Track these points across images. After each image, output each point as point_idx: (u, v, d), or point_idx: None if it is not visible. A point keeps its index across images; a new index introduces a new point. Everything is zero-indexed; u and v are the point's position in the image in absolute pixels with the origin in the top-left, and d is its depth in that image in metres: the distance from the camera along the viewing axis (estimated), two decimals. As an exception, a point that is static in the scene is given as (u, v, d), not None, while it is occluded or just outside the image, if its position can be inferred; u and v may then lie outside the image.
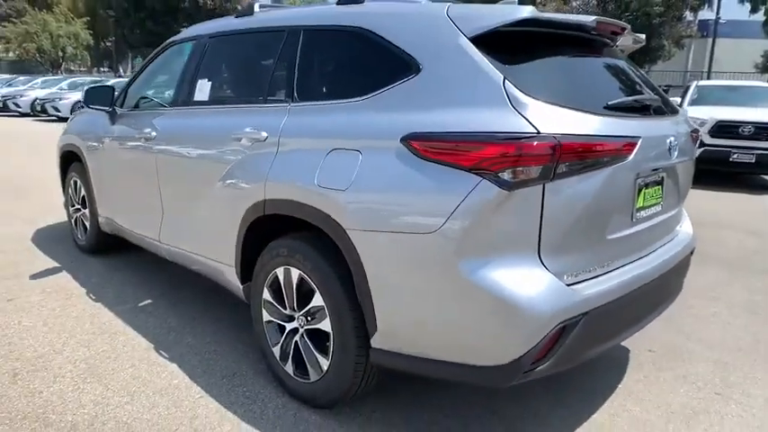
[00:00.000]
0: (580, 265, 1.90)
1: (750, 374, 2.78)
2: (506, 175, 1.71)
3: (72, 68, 41.28)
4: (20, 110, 18.93)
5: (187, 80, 3.08)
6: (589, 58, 2.28)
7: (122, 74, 34.79)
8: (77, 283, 3.74)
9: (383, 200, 1.93)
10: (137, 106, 3.60)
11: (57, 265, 4.09)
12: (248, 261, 2.59)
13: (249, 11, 2.93)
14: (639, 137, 1.98)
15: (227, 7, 32.41)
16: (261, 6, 2.93)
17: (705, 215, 5.92)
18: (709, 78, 18.28)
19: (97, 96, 3.62)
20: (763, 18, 28.61)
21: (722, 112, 8.04)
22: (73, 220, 4.47)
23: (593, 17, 2.08)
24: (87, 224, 4.23)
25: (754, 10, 29.33)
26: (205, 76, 2.98)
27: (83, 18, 35.23)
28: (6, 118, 18.72)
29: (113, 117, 3.67)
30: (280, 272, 2.38)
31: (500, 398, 2.49)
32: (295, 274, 2.30)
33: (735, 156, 7.79)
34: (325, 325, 2.20)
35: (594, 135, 1.84)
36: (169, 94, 3.34)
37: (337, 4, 2.45)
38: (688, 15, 24.73)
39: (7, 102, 19.43)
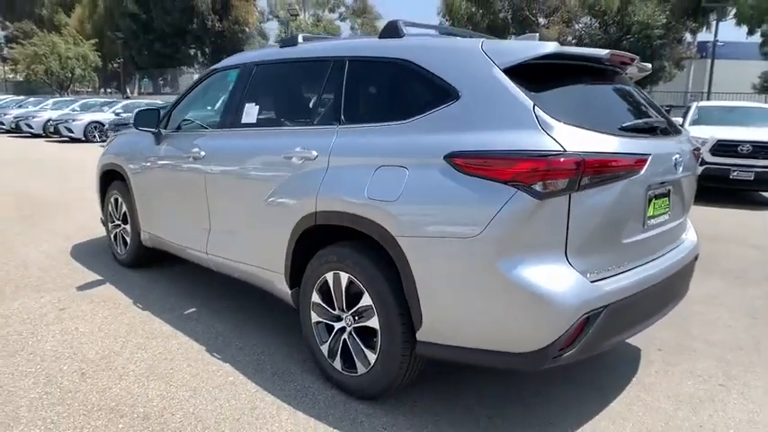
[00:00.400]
0: (600, 264, 2.18)
1: (750, 369, 3.04)
2: (538, 187, 2.00)
3: (78, 90, 42.03)
4: (32, 131, 19.34)
5: (234, 104, 3.39)
6: (603, 85, 2.58)
7: (129, 95, 35.42)
8: (122, 294, 4.00)
9: (429, 209, 2.22)
10: (181, 128, 3.90)
11: (99, 277, 4.36)
12: (296, 268, 2.87)
13: (293, 42, 3.25)
14: (650, 154, 2.28)
15: (235, 29, 33.18)
16: (304, 38, 3.25)
17: (708, 230, 6.20)
18: (708, 98, 18.73)
19: (145, 119, 3.93)
20: (760, 40, 29.31)
21: (722, 132, 8.37)
22: (112, 236, 4.75)
23: (607, 50, 2.40)
24: (128, 239, 4.51)
25: (750, 32, 30.04)
26: (252, 101, 3.28)
27: (91, 40, 35.97)
28: (20, 139, 19.14)
29: (158, 138, 3.97)
30: (329, 276, 2.65)
31: (527, 389, 2.75)
32: (344, 277, 2.58)
33: (734, 173, 8.10)
34: (373, 322, 2.47)
35: (612, 153, 2.13)
36: (215, 116, 3.65)
37: (380, 37, 2.77)
38: (687, 37, 25.34)
39: (20, 123, 19.86)
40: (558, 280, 2.03)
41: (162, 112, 4.11)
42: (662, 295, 2.54)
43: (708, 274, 4.60)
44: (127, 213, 4.45)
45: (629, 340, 3.11)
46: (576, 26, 26.12)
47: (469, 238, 2.09)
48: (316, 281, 2.73)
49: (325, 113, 2.83)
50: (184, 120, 3.97)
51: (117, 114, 17.83)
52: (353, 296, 2.56)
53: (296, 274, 2.88)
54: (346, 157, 2.59)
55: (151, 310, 3.70)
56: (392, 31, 2.70)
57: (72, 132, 17.31)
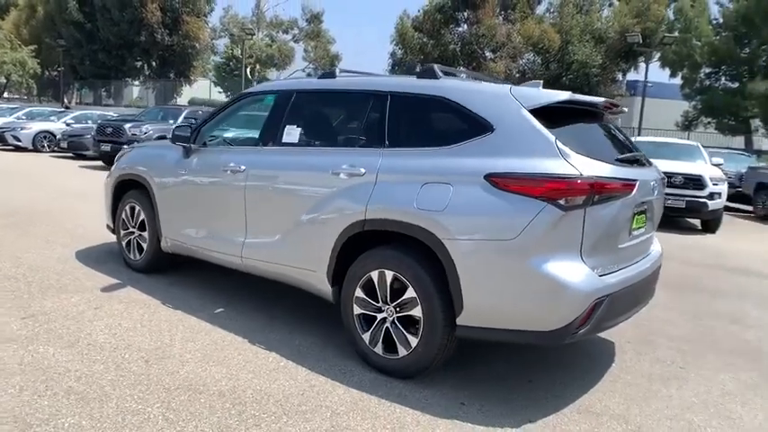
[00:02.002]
0: (604, 263, 2.82)
1: (701, 356, 3.78)
2: (562, 202, 2.61)
3: (9, 96, 40.04)
4: (-29, 138, 18.45)
5: (274, 125, 3.84)
6: (595, 124, 3.26)
7: (68, 104, 34.16)
8: (147, 296, 4.28)
9: (472, 218, 2.78)
10: (212, 144, 4.29)
11: (117, 281, 4.59)
12: (338, 269, 3.34)
13: (332, 74, 3.76)
14: (637, 180, 2.95)
15: (186, 44, 32.89)
16: (341, 71, 3.77)
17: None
18: (639, 134, 20.59)
19: (180, 135, 4.29)
20: (680, 82, 32.37)
21: (657, 165, 9.48)
22: (124, 243, 4.99)
23: (603, 99, 3.08)
24: (144, 246, 4.78)
25: (672, 75, 33.14)
26: (293, 123, 3.74)
27: (30, 46, 34.57)
28: (-43, 146, 18.24)
29: (188, 152, 4.34)
30: (374, 274, 3.14)
31: (533, 373, 3.33)
32: (389, 275, 3.07)
33: (669, 201, 9.20)
34: (416, 312, 2.97)
35: (614, 178, 2.78)
36: (252, 135, 4.07)
37: (418, 77, 3.34)
38: (619, 77, 27.63)
39: (-42, 130, 18.89)
40: (575, 273, 2.64)
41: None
42: (640, 292, 3.21)
43: (658, 285, 5.41)
44: (146, 221, 4.73)
45: (603, 335, 3.77)
46: (520, 62, 27.87)
47: (507, 240, 2.67)
48: (360, 278, 3.21)
49: (368, 137, 3.35)
50: (214, 137, 4.36)
51: (68, 125, 17.40)
52: (397, 290, 3.06)
53: (337, 273, 3.35)
54: (394, 174, 3.11)
55: (182, 310, 4.01)
56: (430, 73, 3.29)
57: (20, 141, 16.74)
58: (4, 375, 2.86)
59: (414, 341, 3.00)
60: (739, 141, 29.85)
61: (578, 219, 2.64)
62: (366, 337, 3.22)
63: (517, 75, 27.14)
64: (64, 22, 34.50)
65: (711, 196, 9.48)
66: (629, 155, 3.21)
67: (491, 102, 2.96)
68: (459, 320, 2.85)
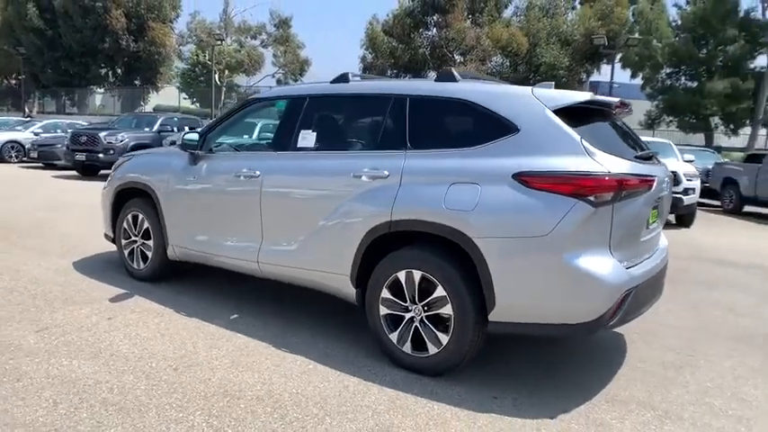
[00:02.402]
0: (628, 256, 2.93)
1: (706, 343, 3.96)
2: (593, 199, 2.71)
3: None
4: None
5: (287, 130, 3.86)
6: (609, 122, 3.37)
7: (30, 114, 33.04)
8: (158, 305, 4.22)
9: (503, 216, 2.85)
10: (219, 150, 4.27)
11: (123, 291, 4.51)
12: (361, 271, 3.37)
13: (345, 79, 3.79)
14: (656, 176, 3.09)
15: (152, 51, 32.27)
16: (353, 76, 3.82)
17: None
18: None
19: (190, 142, 4.25)
20: (641, 82, 33.50)
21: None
22: (127, 252, 4.90)
23: (617, 99, 3.21)
24: (149, 254, 4.71)
25: (633, 75, 34.26)
26: (308, 127, 3.76)
27: (-14, 54, 33.42)
28: None
29: (196, 159, 4.31)
30: (401, 275, 3.19)
31: (554, 364, 3.43)
32: (417, 275, 3.13)
33: (647, 197, 9.51)
34: (447, 310, 3.03)
35: (638, 174, 2.90)
36: (264, 140, 4.07)
37: (436, 80, 3.41)
38: (584, 77, 28.38)
39: None
40: (606, 266, 2.75)
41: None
42: (656, 285, 3.34)
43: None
44: (150, 229, 4.66)
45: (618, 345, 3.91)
46: (489, 64, 28.33)
47: (540, 237, 2.76)
48: (386, 279, 3.25)
49: (389, 140, 3.40)
50: (221, 143, 4.34)
51: (36, 134, 16.90)
52: (425, 290, 3.12)
53: (360, 275, 3.38)
54: (419, 176, 3.17)
55: (198, 317, 3.98)
56: (448, 76, 3.36)
57: (-17, 151, 16.17)
58: (34, 389, 2.80)
59: (444, 339, 3.06)
60: (699, 139, 31.05)
61: (607, 214, 2.75)
62: (394, 336, 3.26)
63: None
64: (23, 29, 33.44)
65: (686, 192, 9.85)
66: (643, 152, 3.35)
67: (514, 103, 3.05)
68: (491, 317, 2.92)
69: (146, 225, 4.71)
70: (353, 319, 3.98)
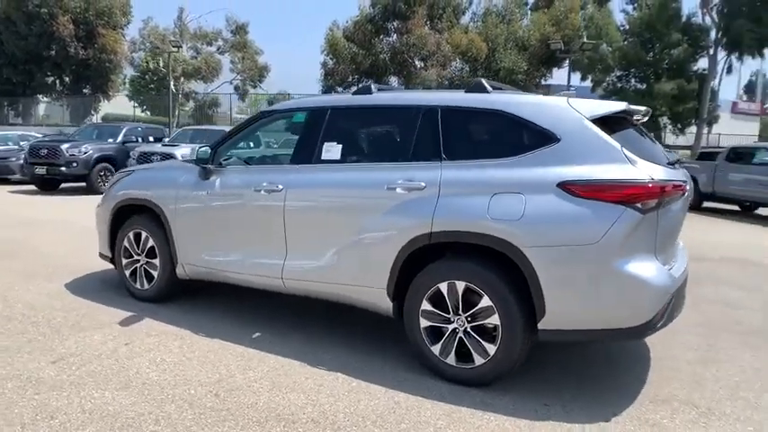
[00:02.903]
0: (667, 259, 3.02)
1: (719, 338, 4.12)
2: (640, 206, 2.78)
3: None
4: None
5: (309, 142, 3.78)
6: (636, 130, 3.46)
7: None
8: (173, 327, 4.03)
9: (551, 225, 2.88)
10: (227, 164, 4.17)
11: (130, 313, 4.30)
12: (399, 283, 3.34)
13: (367, 91, 3.76)
14: (686, 181, 3.19)
15: (102, 58, 31.03)
16: (377, 88, 3.78)
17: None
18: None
19: (203, 157, 4.11)
20: (590, 85, 34.84)
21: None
22: (128, 272, 4.69)
23: (645, 107, 3.31)
24: (155, 273, 4.52)
25: (583, 78, 35.58)
26: (332, 140, 3.70)
27: None
28: None
29: (208, 173, 4.16)
30: (443, 286, 3.17)
31: (585, 368, 3.50)
32: (461, 285, 3.12)
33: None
34: (493, 320, 3.04)
35: (674, 180, 3.00)
36: (282, 153, 3.98)
37: (467, 92, 3.42)
38: (541, 81, 29.13)
39: None
40: (654, 271, 2.82)
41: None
42: (685, 284, 3.45)
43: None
44: (156, 247, 4.48)
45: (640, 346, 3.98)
46: (449, 69, 28.70)
47: (590, 245, 2.80)
48: (426, 291, 3.23)
49: (422, 152, 3.38)
50: (233, 156, 4.22)
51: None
52: (469, 300, 3.12)
53: (397, 288, 3.35)
54: (458, 186, 3.16)
55: (219, 338, 3.83)
56: (479, 87, 3.38)
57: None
58: (75, 427, 2.63)
59: (492, 349, 3.07)
60: (649, 138, 32.38)
61: (653, 220, 2.83)
62: (436, 349, 3.24)
63: (446, 83, 27.90)
64: (-40, 36, 31.52)
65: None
66: (675, 158, 3.46)
67: (552, 113, 3.10)
68: (541, 325, 2.95)
69: (150, 243, 4.52)
70: (378, 332, 3.96)
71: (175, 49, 26.28)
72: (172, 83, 30.02)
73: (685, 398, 3.13)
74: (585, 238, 2.82)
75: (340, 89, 29.55)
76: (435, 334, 3.25)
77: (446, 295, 3.18)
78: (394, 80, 29.90)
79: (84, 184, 12.71)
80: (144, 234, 4.55)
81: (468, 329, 3.14)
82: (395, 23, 27.39)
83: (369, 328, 4.03)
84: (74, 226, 8.07)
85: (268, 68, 34.49)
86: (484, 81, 3.40)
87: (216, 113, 33.75)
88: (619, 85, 31.42)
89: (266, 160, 4.72)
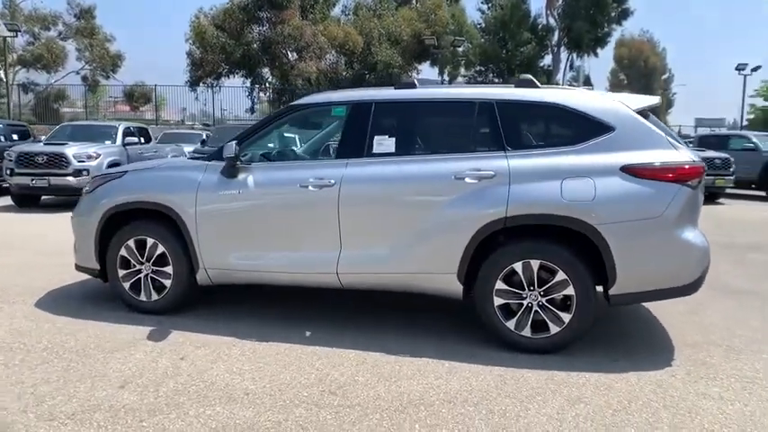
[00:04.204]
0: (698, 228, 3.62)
1: (741, 320, 4.48)
2: (691, 183, 3.32)
3: None
4: None
5: (356, 137, 3.80)
6: (655, 119, 4.00)
7: None
8: (213, 336, 3.77)
9: (620, 203, 3.30)
10: (260, 159, 4.03)
11: (149, 327, 3.90)
12: (469, 267, 3.56)
13: (411, 85, 3.88)
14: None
15: None
16: (420, 82, 3.92)
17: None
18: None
19: (231, 154, 3.87)
20: (447, 79, 37.44)
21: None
22: (129, 283, 4.25)
23: (657, 98, 3.88)
24: (168, 282, 4.16)
25: (441, 72, 38.09)
26: (382, 133, 3.76)
27: None
28: None
29: (233, 171, 3.95)
30: (517, 266, 3.46)
31: (614, 335, 4.03)
32: (535, 264, 3.43)
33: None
34: (568, 291, 3.40)
35: (701, 162, 3.59)
36: (324, 148, 3.93)
37: (516, 86, 3.71)
38: (414, 75, 30.44)
39: None
40: (699, 237, 3.40)
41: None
42: None
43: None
44: (168, 254, 4.13)
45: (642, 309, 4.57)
46: (324, 62, 28.74)
47: (654, 218, 3.28)
48: (501, 271, 3.49)
49: (483, 143, 3.62)
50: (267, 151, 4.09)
51: None
52: (541, 277, 3.44)
53: (468, 272, 3.57)
54: (527, 174, 3.45)
55: (274, 341, 3.71)
56: (530, 83, 3.72)
57: None
58: (223, 444, 2.46)
59: (567, 317, 3.43)
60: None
61: (696, 194, 3.39)
62: (511, 324, 3.52)
63: (321, 76, 27.91)
64: None
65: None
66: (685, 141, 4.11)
67: (605, 107, 3.52)
68: (612, 291, 3.37)
69: (159, 250, 4.15)
70: (420, 314, 4.15)
71: (14, 34, 22.82)
72: (2, 72, 26.03)
73: (716, 341, 3.77)
74: (650, 212, 3.29)
75: (211, 80, 28.15)
76: (508, 310, 3.53)
77: (521, 273, 3.47)
78: (266, 72, 29.21)
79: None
80: (151, 241, 4.16)
81: (544, 302, 3.46)
82: (268, 13, 26.66)
83: (408, 315, 4.19)
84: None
85: (123, 57, 31.49)
86: (532, 78, 3.72)
87: (62, 106, 30.06)
88: (479, 79, 34.10)
89: (307, 155, 4.55)
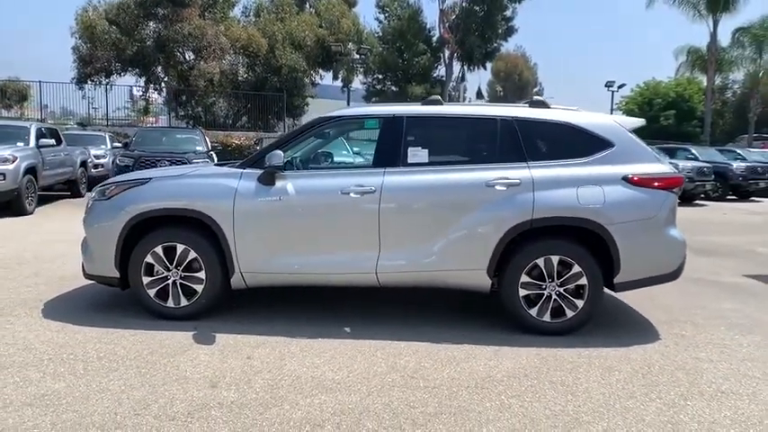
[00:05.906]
0: (674, 227, 4.48)
1: (691, 301, 5.84)
2: (676, 190, 4.14)
3: None
4: None
5: (391, 148, 4.19)
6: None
7: None
8: (262, 336, 3.93)
9: (623, 207, 4.02)
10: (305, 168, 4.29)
11: (186, 332, 3.96)
12: (498, 264, 4.10)
13: (438, 102, 4.35)
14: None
15: None
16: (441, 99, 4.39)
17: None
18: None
19: (278, 163, 4.05)
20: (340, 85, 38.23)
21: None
22: (154, 290, 4.22)
23: (643, 120, 4.72)
24: (199, 287, 4.21)
25: (335, 78, 38.74)
26: (415, 145, 4.18)
27: None
28: None
29: (272, 178, 4.13)
30: (540, 261, 4.06)
31: (621, 321, 4.81)
32: (555, 259, 4.05)
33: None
34: (581, 281, 4.06)
35: (680, 172, 4.44)
36: (359, 158, 4.23)
37: (530, 106, 4.33)
38: (318, 80, 30.56)
39: None
40: (679, 233, 4.23)
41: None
42: None
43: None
44: (201, 260, 4.18)
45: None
46: (224, 63, 27.94)
47: (650, 218, 4.05)
48: (526, 266, 4.07)
49: (507, 155, 4.17)
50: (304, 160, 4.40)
51: None
52: (560, 270, 4.07)
53: (497, 268, 4.11)
54: (548, 182, 4.06)
55: (321, 337, 3.95)
56: (543, 104, 4.35)
57: None
58: (354, 422, 2.74)
59: (580, 303, 4.09)
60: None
61: (676, 199, 4.23)
62: (533, 311, 4.11)
63: (222, 78, 27.08)
64: None
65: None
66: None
67: (606, 125, 4.24)
68: (617, 279, 4.09)
69: (191, 256, 4.20)
70: (435, 306, 4.61)
71: None
72: None
73: (686, 318, 4.65)
74: (647, 214, 4.06)
75: (100, 78, 26.16)
76: (531, 300, 4.12)
77: (542, 267, 4.07)
78: (160, 70, 27.76)
79: None
80: (182, 247, 4.18)
81: (561, 291, 4.09)
82: (167, 10, 25.40)
83: (424, 307, 4.63)
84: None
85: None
86: (542, 98, 4.36)
87: None
88: (378, 86, 35.16)
89: (346, 164, 4.80)
